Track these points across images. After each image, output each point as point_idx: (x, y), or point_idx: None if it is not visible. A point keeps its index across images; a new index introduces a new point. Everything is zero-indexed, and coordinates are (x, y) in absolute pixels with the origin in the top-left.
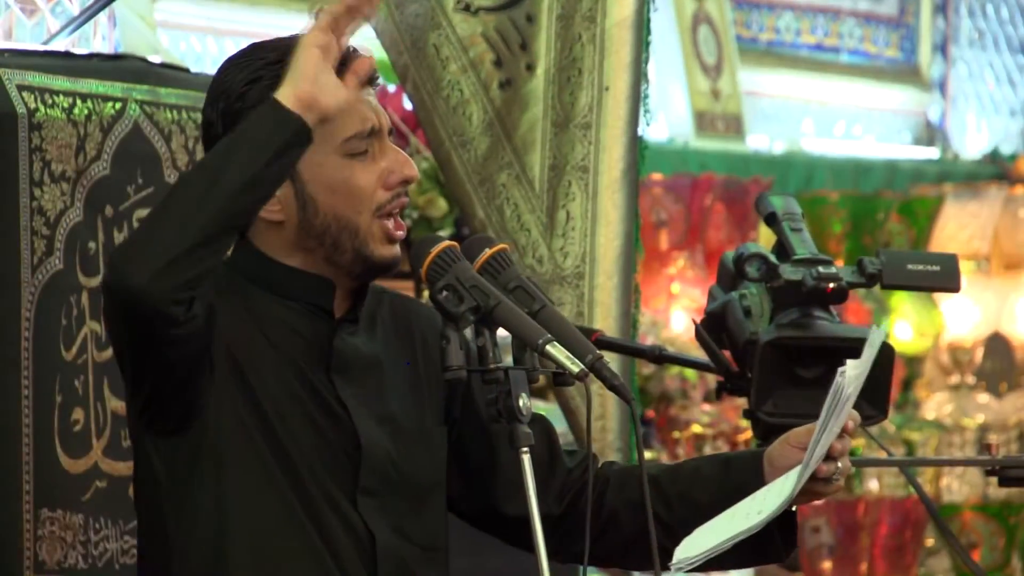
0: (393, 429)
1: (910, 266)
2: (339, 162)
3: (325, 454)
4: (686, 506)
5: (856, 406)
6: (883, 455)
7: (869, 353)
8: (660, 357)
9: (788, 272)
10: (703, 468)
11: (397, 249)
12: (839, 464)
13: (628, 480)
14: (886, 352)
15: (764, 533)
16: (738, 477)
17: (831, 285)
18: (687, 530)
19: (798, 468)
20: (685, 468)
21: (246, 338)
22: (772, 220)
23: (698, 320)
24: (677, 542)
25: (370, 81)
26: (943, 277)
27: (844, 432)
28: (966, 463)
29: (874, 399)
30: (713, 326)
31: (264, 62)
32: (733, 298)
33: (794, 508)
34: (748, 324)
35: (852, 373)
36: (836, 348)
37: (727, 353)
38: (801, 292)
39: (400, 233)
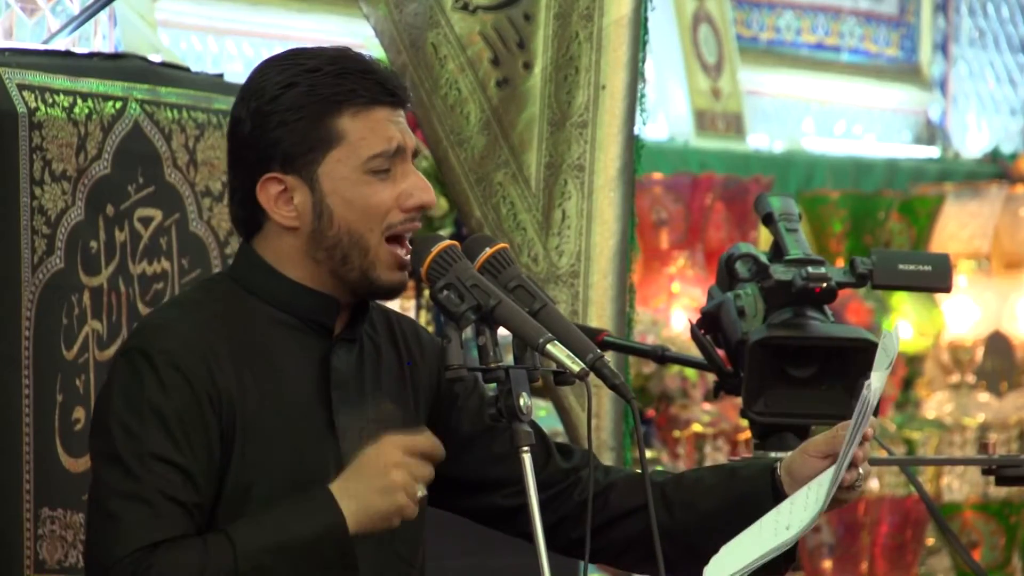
0: None
1: (901, 266)
2: (360, 178)
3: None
4: (688, 513)
5: (844, 406)
6: (883, 454)
7: (886, 360)
8: (664, 357)
9: (779, 272)
10: (707, 477)
11: (404, 275)
12: (860, 471)
13: (633, 486)
14: (874, 355)
15: None
16: (742, 488)
17: (820, 285)
18: (687, 537)
19: (824, 479)
20: (689, 476)
21: (243, 390)
22: (769, 220)
23: (694, 320)
24: (677, 548)
25: (402, 103)
26: (935, 277)
27: (864, 439)
28: (963, 462)
29: None
30: (709, 326)
31: (302, 68)
32: (728, 298)
33: None
34: (741, 324)
35: (877, 385)
36: (827, 348)
37: (722, 353)
38: (792, 292)
39: (408, 259)
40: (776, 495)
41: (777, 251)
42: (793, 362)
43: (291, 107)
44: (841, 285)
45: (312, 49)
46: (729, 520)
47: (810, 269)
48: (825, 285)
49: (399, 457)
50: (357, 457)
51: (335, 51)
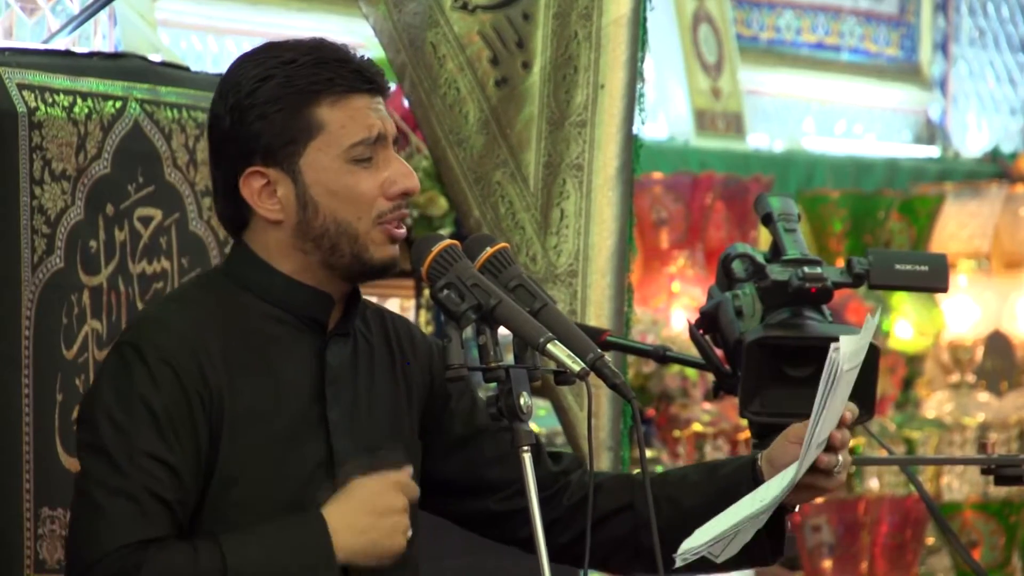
0: (374, 449)
1: (898, 266)
2: (343, 167)
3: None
4: (672, 509)
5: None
6: (884, 453)
7: (866, 334)
8: (665, 357)
9: (776, 272)
10: (690, 475)
11: (396, 250)
12: (840, 457)
13: (619, 486)
14: (871, 352)
15: (753, 538)
16: (724, 482)
17: (816, 285)
18: (672, 533)
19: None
20: (673, 474)
21: (234, 387)
22: (768, 220)
23: (693, 320)
24: (662, 545)
25: (380, 90)
26: (931, 277)
27: (843, 424)
28: (962, 462)
29: (860, 399)
30: (707, 325)
31: (278, 61)
32: (726, 298)
33: (786, 512)
34: (738, 324)
35: (847, 348)
36: (824, 348)
37: (721, 353)
38: (788, 292)
39: (400, 232)
40: (757, 486)
41: (775, 251)
42: (790, 362)
43: (269, 99)
44: (837, 285)
45: (287, 42)
46: (713, 515)
47: (806, 269)
48: (821, 285)
49: (405, 501)
50: (354, 489)
51: (311, 42)
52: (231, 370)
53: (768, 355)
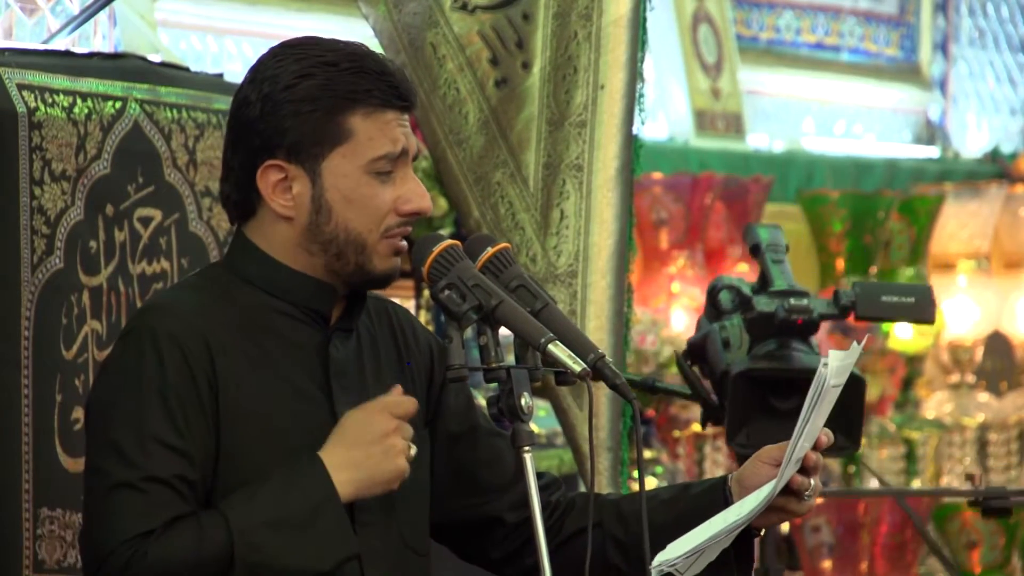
0: None
1: (884, 298)
2: (363, 178)
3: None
4: (640, 526)
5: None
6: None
7: (851, 354)
8: (654, 388)
9: (762, 304)
10: (661, 493)
11: (398, 262)
12: (812, 481)
13: (586, 505)
14: (857, 385)
15: (721, 558)
16: (695, 501)
17: (802, 317)
18: (639, 550)
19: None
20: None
21: (240, 378)
22: (756, 251)
23: (681, 350)
24: (631, 562)
25: (410, 108)
26: (917, 309)
27: (818, 447)
28: (950, 493)
29: (847, 430)
30: (696, 356)
31: (320, 61)
32: (713, 329)
33: (753, 535)
34: (725, 355)
35: (835, 364)
36: (810, 380)
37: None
38: (775, 324)
39: (404, 245)
40: (728, 506)
41: (763, 282)
42: (776, 393)
43: (305, 98)
44: (824, 317)
45: (329, 41)
46: (682, 533)
47: (792, 301)
48: (807, 317)
49: (394, 423)
50: (343, 424)
51: (353, 47)
52: (237, 361)
53: (754, 387)
